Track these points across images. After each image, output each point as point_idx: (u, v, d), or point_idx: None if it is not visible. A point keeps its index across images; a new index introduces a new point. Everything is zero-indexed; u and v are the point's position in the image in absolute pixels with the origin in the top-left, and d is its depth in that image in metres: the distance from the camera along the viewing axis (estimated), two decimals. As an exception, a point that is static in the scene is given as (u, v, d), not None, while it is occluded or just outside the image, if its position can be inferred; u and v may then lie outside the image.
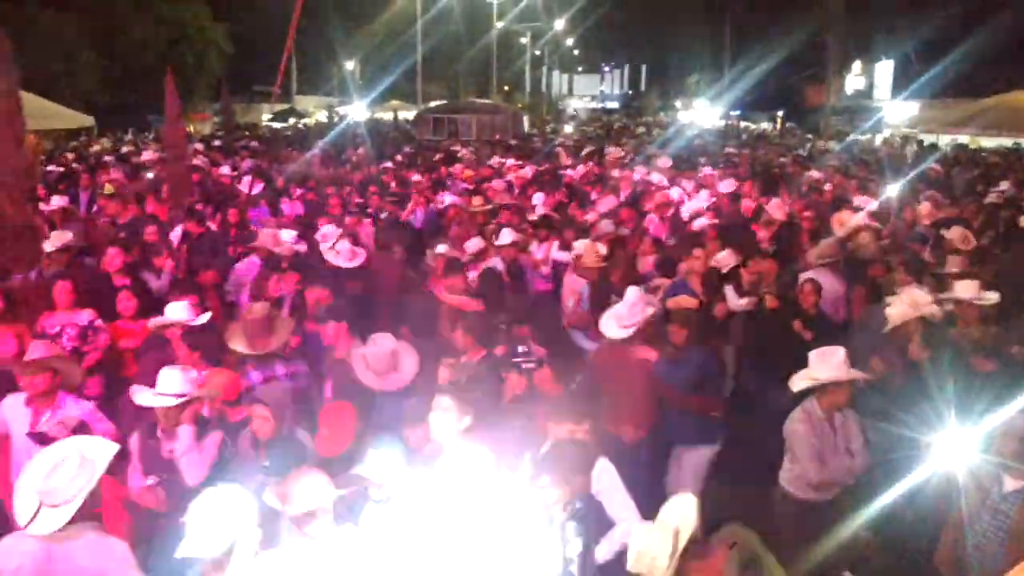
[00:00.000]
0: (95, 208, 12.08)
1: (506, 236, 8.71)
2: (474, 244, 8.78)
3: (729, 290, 7.78)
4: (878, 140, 30.38)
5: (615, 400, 6.16)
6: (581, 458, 4.21)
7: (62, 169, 15.87)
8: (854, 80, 46.64)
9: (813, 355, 5.31)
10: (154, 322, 6.38)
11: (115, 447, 3.78)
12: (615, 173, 15.54)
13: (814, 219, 10.29)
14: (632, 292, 6.51)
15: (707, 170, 16.18)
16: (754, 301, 7.64)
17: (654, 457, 6.26)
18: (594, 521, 4.33)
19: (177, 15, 36.64)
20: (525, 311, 6.56)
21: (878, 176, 16.53)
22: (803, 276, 7.68)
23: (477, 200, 11.34)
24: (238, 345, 5.96)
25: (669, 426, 6.23)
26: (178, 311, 6.20)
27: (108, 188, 12.48)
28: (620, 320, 6.21)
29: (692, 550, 3.34)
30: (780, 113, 48.21)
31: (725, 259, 8.06)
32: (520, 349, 5.73)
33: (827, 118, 40.60)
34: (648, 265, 8.75)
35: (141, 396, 4.90)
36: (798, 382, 5.27)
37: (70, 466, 3.49)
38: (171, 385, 4.86)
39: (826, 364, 5.22)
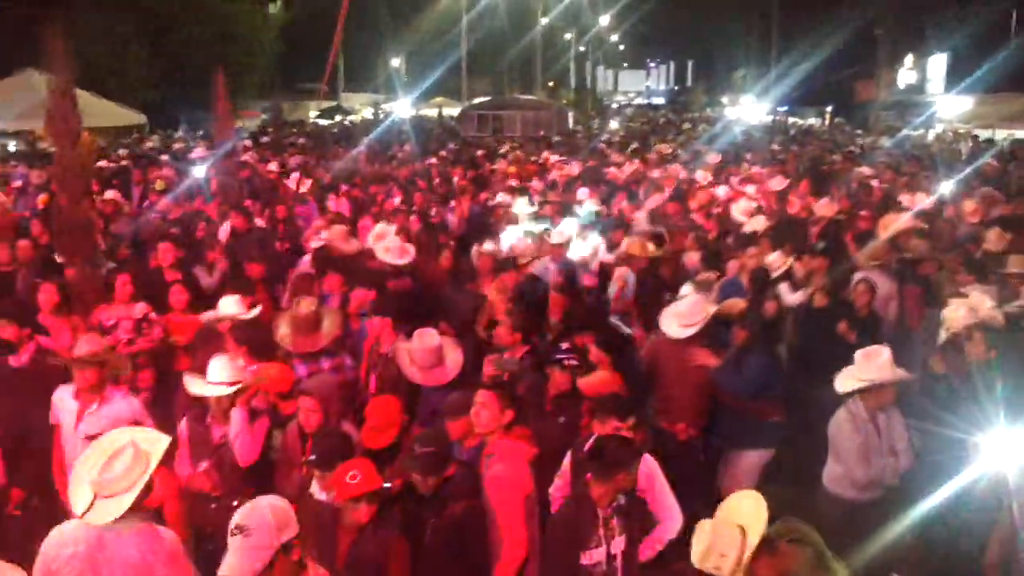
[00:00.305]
0: (146, 203, 12.32)
1: (557, 235, 8.74)
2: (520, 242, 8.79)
3: (784, 287, 7.70)
4: (930, 136, 29.74)
5: (670, 397, 6.14)
6: (625, 454, 4.21)
7: (114, 165, 16.19)
8: (906, 74, 45.60)
9: (859, 355, 5.26)
10: (206, 316, 6.50)
11: (168, 438, 3.84)
12: (655, 174, 15.41)
13: (869, 219, 10.11)
14: (690, 290, 6.46)
15: (753, 168, 15.99)
16: (808, 294, 7.56)
17: (706, 456, 6.22)
18: (638, 518, 4.33)
19: (226, 13, 37.13)
20: (582, 318, 6.53)
21: (931, 172, 16.22)
22: (857, 276, 7.57)
23: (522, 201, 11.39)
24: (284, 341, 6.04)
25: (725, 428, 6.16)
26: (230, 305, 6.30)
27: (159, 184, 12.74)
28: (681, 319, 6.14)
29: (760, 546, 3.32)
30: (829, 108, 47.32)
31: (776, 261, 7.96)
32: (563, 346, 5.72)
33: (877, 113, 39.79)
34: (693, 261, 8.70)
35: (194, 385, 5.01)
36: (844, 382, 5.21)
37: (125, 457, 3.53)
38: (222, 374, 4.96)
39: (872, 364, 5.17)
